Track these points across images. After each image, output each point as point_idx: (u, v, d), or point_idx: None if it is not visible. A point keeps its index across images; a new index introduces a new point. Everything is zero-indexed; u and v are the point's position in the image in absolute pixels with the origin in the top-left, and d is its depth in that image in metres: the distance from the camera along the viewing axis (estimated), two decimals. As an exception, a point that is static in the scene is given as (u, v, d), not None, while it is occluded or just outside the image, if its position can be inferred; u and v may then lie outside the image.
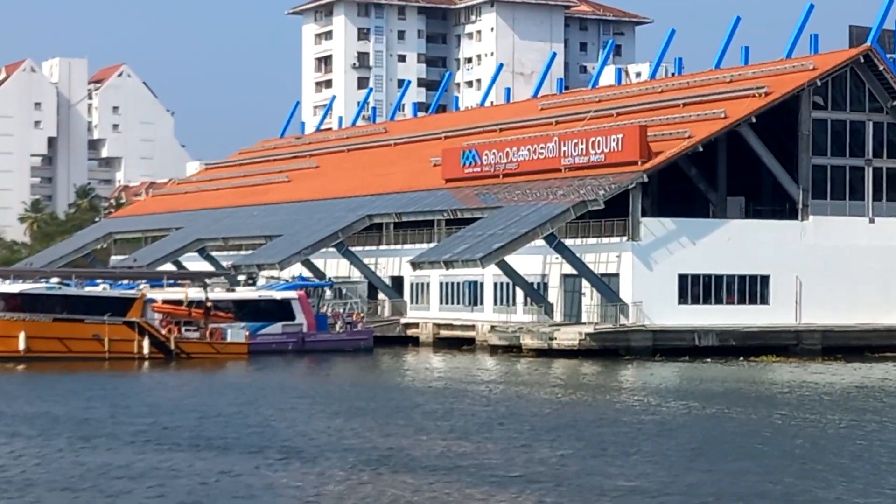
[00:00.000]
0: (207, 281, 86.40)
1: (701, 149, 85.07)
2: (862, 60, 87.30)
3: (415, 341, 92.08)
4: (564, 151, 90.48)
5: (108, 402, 53.27)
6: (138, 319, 76.18)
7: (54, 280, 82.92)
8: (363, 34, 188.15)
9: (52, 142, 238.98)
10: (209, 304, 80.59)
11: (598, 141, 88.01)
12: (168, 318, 78.12)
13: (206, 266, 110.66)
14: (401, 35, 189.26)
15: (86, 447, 38.47)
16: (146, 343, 75.39)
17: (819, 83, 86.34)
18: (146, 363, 73.99)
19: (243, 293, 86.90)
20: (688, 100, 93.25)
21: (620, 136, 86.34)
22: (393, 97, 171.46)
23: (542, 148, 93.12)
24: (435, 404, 52.68)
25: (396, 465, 34.97)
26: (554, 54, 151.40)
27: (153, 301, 78.99)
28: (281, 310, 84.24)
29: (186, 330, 77.94)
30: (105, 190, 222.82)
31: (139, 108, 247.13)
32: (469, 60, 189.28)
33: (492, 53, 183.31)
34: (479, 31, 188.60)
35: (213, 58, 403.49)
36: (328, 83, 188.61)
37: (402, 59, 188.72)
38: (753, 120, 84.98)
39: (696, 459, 36.47)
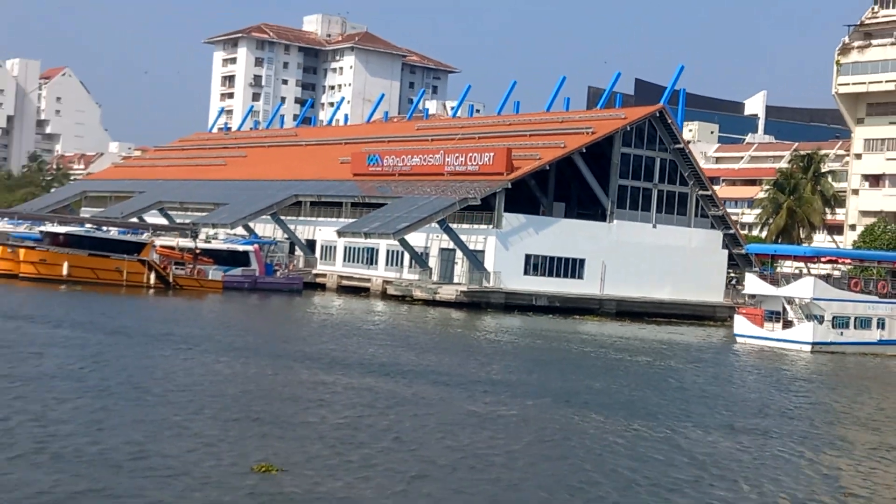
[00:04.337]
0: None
1: (548, 167, 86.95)
2: (657, 115, 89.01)
3: (322, 287, 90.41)
4: (447, 161, 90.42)
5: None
6: (148, 258, 75.05)
7: (88, 225, 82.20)
8: (258, 62, 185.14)
9: (10, 119, 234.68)
10: (197, 251, 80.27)
11: (474, 156, 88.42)
12: (166, 259, 77.24)
13: (165, 222, 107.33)
14: (285, 65, 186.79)
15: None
16: (152, 276, 74.21)
17: (628, 128, 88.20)
18: (151, 291, 72.27)
19: (219, 245, 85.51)
20: (533, 132, 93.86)
21: (492, 154, 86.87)
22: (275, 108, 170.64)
23: (430, 157, 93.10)
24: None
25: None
26: (423, 91, 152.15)
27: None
28: (242, 259, 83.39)
29: (176, 268, 77.04)
30: (47, 157, 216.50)
31: (75, 99, 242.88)
32: (332, 87, 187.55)
33: (349, 84, 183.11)
34: (340, 67, 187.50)
35: (142, 66, 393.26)
36: (230, 95, 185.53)
37: (285, 82, 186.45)
38: (583, 150, 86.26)
39: (534, 370, 41.48)
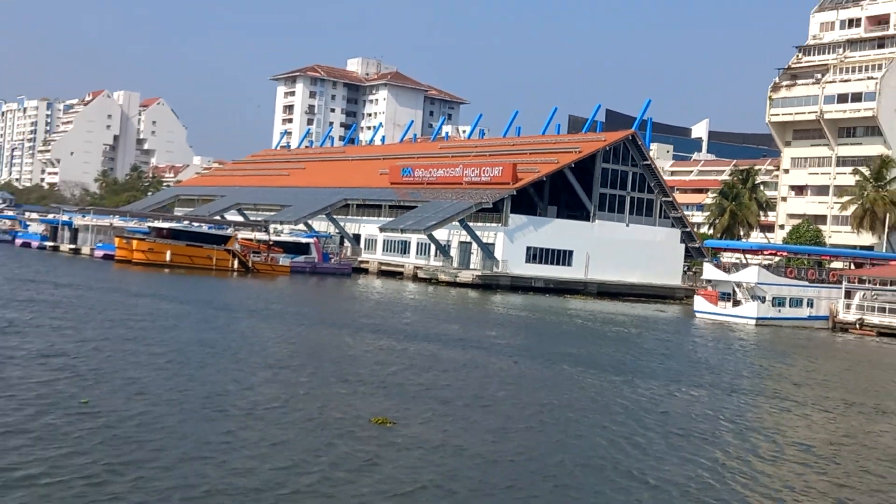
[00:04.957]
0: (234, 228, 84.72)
1: (544, 178, 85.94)
2: (630, 139, 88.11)
3: (365, 271, 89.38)
4: (465, 173, 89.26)
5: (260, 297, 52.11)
6: (232, 248, 74.27)
7: (185, 221, 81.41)
8: (312, 95, 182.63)
9: (116, 138, 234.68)
10: (270, 242, 79.45)
11: (486, 170, 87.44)
12: (246, 249, 76.36)
13: (242, 220, 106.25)
14: (333, 97, 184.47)
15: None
16: (236, 262, 73.46)
17: (607, 149, 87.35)
18: (235, 274, 71.48)
19: (286, 237, 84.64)
20: (532, 151, 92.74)
21: (501, 168, 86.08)
22: (325, 131, 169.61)
23: (451, 170, 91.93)
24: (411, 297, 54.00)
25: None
26: (444, 119, 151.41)
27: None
28: (304, 249, 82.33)
29: (254, 256, 76.14)
30: (144, 168, 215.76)
31: (167, 122, 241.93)
32: (370, 115, 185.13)
33: (382, 112, 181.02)
34: (376, 99, 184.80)
35: (219, 95, 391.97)
36: (290, 120, 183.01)
37: (332, 110, 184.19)
38: (572, 165, 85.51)
39: (555, 340, 40.55)
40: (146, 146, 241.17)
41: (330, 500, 13.79)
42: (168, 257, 71.28)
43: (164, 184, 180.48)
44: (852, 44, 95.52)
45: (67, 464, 14.23)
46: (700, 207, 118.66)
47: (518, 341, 37.83)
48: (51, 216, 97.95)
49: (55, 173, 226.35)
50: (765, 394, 28.79)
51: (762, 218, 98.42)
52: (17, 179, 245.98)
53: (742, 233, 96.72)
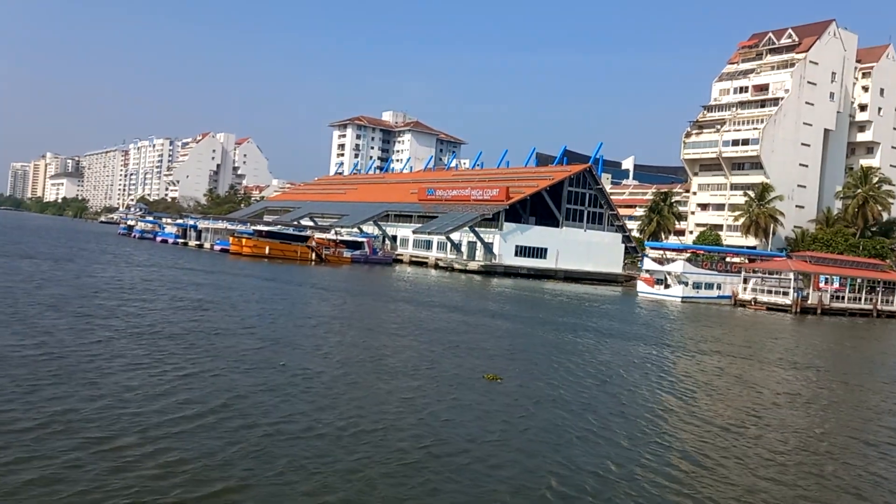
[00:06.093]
0: (320, 230, 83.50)
1: (528, 197, 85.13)
2: (588, 170, 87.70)
3: (401, 261, 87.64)
4: (472, 193, 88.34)
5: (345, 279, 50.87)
6: (311, 245, 73.25)
7: (277, 226, 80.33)
8: (357, 137, 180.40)
9: (218, 166, 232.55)
10: (337, 240, 78.35)
11: (487, 190, 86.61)
12: (320, 245, 75.30)
13: (313, 224, 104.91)
14: (372, 139, 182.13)
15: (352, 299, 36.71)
16: (313, 255, 72.24)
17: (572, 177, 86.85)
18: (312, 263, 70.03)
19: (347, 237, 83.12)
20: (519, 177, 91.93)
21: (497, 189, 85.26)
22: (366, 163, 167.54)
23: (462, 191, 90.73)
24: (437, 279, 52.99)
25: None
26: (454, 154, 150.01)
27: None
28: (360, 245, 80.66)
29: (326, 251, 75.14)
30: (238, 187, 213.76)
31: (254, 155, 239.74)
32: (397, 151, 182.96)
33: (407, 150, 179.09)
34: (402, 140, 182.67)
35: (292, 135, 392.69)
36: (342, 154, 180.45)
37: (372, 148, 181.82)
38: (547, 188, 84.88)
39: (557, 313, 38.77)
40: (239, 171, 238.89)
41: (500, 446, 13.23)
42: (267, 251, 70.30)
43: (252, 199, 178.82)
44: (742, 104, 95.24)
45: (295, 412, 13.79)
46: (630, 218, 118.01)
47: (528, 313, 36.45)
48: (180, 221, 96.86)
49: (175, 190, 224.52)
50: (685, 343, 28.53)
51: (677, 226, 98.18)
52: (148, 194, 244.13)
53: (664, 236, 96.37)
